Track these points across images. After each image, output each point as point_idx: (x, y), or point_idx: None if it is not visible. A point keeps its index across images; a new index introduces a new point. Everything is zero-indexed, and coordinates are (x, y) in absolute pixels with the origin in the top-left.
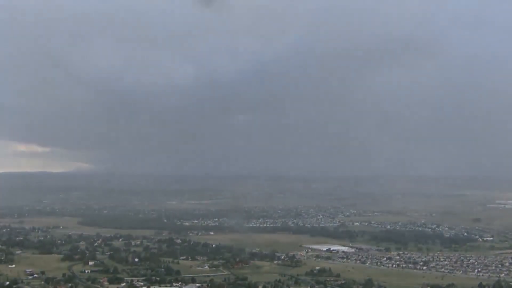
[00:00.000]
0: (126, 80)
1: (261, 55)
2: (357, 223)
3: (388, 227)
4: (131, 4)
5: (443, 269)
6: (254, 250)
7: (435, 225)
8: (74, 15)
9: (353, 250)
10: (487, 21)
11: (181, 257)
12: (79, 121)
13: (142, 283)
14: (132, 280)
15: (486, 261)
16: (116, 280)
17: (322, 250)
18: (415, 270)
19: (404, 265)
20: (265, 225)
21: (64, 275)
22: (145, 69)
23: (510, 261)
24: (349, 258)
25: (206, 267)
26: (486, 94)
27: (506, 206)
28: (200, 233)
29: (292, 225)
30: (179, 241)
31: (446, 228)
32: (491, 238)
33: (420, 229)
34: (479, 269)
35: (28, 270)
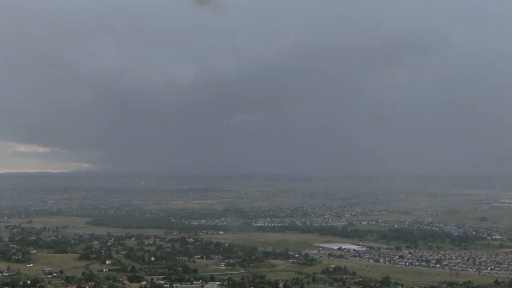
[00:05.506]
0: (126, 80)
1: (262, 54)
2: (365, 222)
3: (396, 226)
4: (131, 3)
5: (456, 267)
6: (267, 249)
7: (442, 224)
8: (73, 14)
9: (364, 248)
10: (487, 18)
11: (196, 256)
12: (79, 121)
13: (162, 282)
14: (152, 279)
15: (498, 259)
16: (136, 279)
17: (333, 249)
18: (428, 268)
19: (417, 263)
20: (273, 224)
21: (83, 274)
22: (145, 68)
23: None
24: (362, 257)
25: (222, 265)
26: (489, 92)
27: (511, 205)
28: (209, 232)
29: (300, 224)
30: (191, 240)
31: (454, 227)
32: (500, 237)
33: (428, 227)
34: (492, 267)
35: (47, 269)
